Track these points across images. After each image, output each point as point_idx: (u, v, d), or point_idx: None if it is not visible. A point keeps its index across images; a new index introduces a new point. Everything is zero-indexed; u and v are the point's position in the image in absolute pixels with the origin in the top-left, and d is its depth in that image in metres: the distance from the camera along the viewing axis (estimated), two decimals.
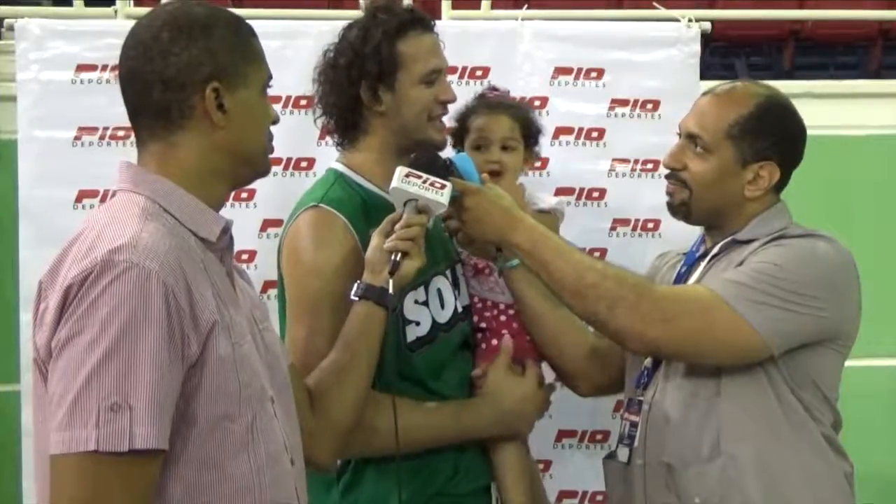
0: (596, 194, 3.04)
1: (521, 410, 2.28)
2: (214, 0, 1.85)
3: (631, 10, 3.55)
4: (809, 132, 2.21)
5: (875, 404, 3.57)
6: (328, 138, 2.97)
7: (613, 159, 3.05)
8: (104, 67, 2.96)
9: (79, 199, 2.96)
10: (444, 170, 2.07)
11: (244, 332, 1.59)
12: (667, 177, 2.22)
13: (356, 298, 1.97)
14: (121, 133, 2.95)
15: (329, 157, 2.94)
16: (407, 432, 1.93)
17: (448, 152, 2.27)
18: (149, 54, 1.56)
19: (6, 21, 3.06)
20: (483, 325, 2.37)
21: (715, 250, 2.17)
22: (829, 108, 3.70)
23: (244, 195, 2.92)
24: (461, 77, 2.97)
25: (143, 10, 3.19)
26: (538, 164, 2.94)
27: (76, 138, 2.97)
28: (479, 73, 2.99)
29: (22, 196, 2.97)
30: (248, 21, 1.69)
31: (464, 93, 2.64)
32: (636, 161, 3.05)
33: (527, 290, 2.26)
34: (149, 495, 1.45)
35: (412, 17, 2.22)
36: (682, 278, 2.22)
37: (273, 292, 2.86)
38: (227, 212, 1.68)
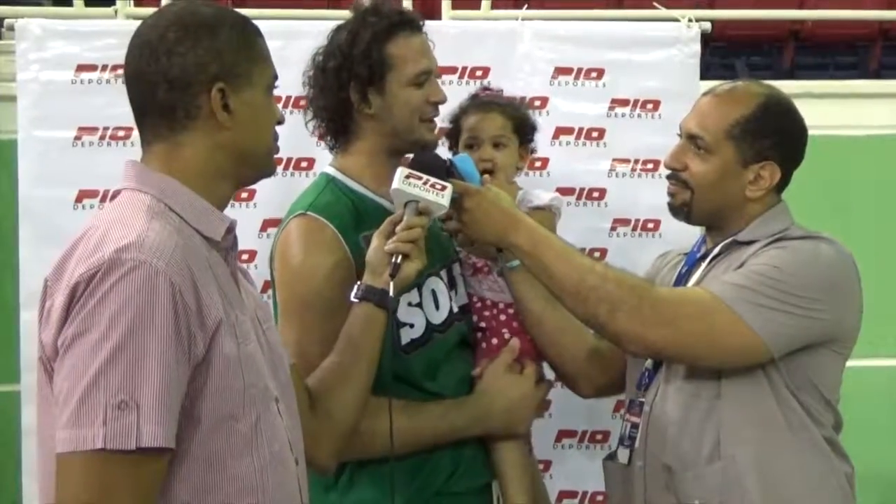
0: (596, 194, 3.05)
1: (516, 409, 2.28)
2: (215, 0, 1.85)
3: (631, 11, 3.55)
4: (809, 132, 2.20)
5: (876, 405, 3.57)
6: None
7: (614, 159, 3.06)
8: (104, 67, 2.96)
9: (79, 199, 2.96)
10: (444, 171, 2.06)
11: (249, 332, 1.59)
12: (668, 177, 2.21)
13: (356, 300, 1.97)
14: (121, 133, 2.95)
15: (328, 157, 2.96)
16: (396, 435, 1.92)
17: (442, 153, 2.27)
18: (154, 54, 1.56)
19: (6, 21, 3.06)
20: (482, 324, 2.36)
21: (716, 251, 2.17)
22: (828, 108, 3.70)
23: (244, 195, 2.92)
24: (461, 77, 2.98)
25: (144, 10, 3.21)
26: (538, 163, 2.96)
27: (76, 138, 2.97)
28: (479, 73, 2.99)
29: (22, 196, 2.97)
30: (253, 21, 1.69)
31: (464, 93, 2.65)
32: (636, 161, 3.05)
33: (527, 291, 2.24)
34: (155, 494, 1.45)
35: (400, 18, 2.21)
36: (682, 279, 2.22)
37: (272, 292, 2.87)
38: (227, 212, 1.68)
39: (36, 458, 1.59)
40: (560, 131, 3.03)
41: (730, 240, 2.16)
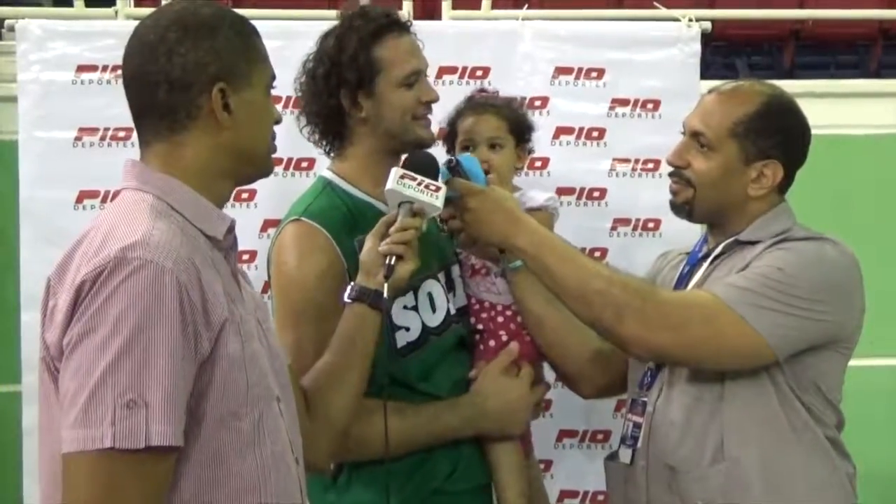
0: (596, 194, 3.05)
1: (511, 411, 2.27)
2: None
3: (631, 10, 3.55)
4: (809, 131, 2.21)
5: (877, 404, 3.57)
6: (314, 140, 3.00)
7: (614, 159, 3.06)
8: (105, 68, 2.96)
9: (79, 200, 2.96)
10: (437, 170, 2.05)
11: (252, 331, 1.59)
12: (670, 174, 2.21)
13: (349, 301, 1.97)
14: (121, 134, 2.95)
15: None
16: (391, 436, 1.92)
17: (438, 154, 2.27)
18: (154, 55, 1.56)
19: (7, 22, 3.06)
20: (480, 326, 2.36)
21: (718, 250, 2.16)
22: (829, 108, 3.69)
23: (245, 195, 2.92)
24: (461, 77, 2.98)
25: (144, 11, 3.21)
26: (538, 163, 2.96)
27: (77, 139, 2.97)
28: (479, 73, 2.99)
29: (23, 197, 2.97)
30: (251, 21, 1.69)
31: (465, 93, 2.65)
32: (637, 161, 3.05)
33: (529, 292, 2.24)
34: (163, 492, 1.45)
35: (387, 21, 2.22)
36: (684, 279, 2.21)
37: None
38: (227, 212, 1.68)
39: (37, 458, 1.58)
40: (560, 131, 3.03)
41: (731, 239, 2.15)
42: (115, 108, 2.94)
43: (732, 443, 2.04)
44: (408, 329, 2.20)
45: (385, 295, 1.94)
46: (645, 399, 2.16)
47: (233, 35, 1.61)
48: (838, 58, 7.63)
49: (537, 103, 2.98)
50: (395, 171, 2.00)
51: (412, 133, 2.22)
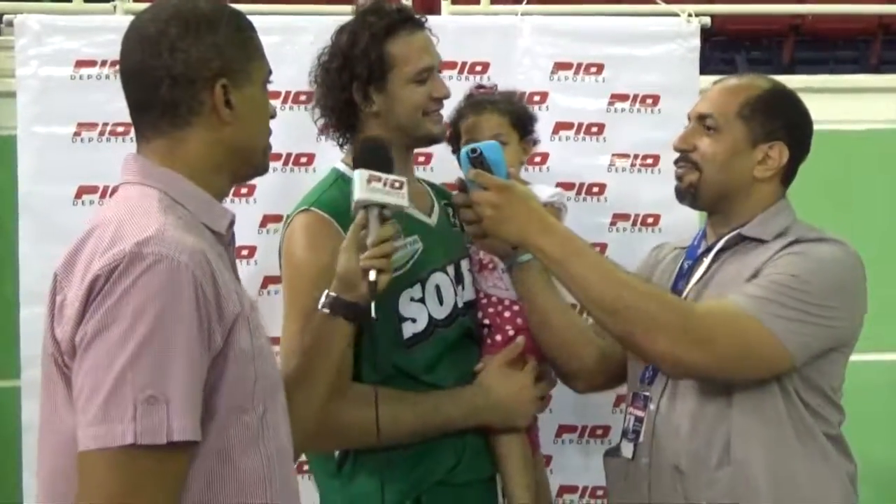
0: (596, 189, 3.04)
1: (513, 403, 2.28)
2: None
3: (631, 5, 3.54)
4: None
5: (874, 399, 3.58)
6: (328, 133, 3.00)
7: (613, 154, 3.05)
8: (104, 63, 2.95)
9: (78, 195, 2.96)
10: (389, 158, 1.97)
11: (259, 324, 1.59)
12: (676, 161, 2.19)
13: (325, 310, 1.91)
14: (120, 129, 2.95)
15: (329, 152, 2.94)
16: (387, 424, 1.93)
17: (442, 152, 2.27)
18: (156, 49, 1.56)
19: (5, 17, 3.05)
20: (486, 321, 2.37)
21: (720, 244, 2.15)
22: (828, 103, 3.69)
23: (244, 191, 2.92)
24: (461, 72, 2.97)
25: (142, 6, 3.18)
26: (538, 158, 2.95)
27: (76, 134, 2.96)
28: (478, 68, 2.98)
29: (21, 192, 2.97)
30: (247, 16, 1.69)
31: (463, 89, 2.65)
32: (636, 156, 3.05)
33: (538, 290, 2.21)
34: (180, 487, 1.45)
35: (400, 17, 2.24)
36: (685, 275, 2.20)
37: (273, 288, 2.87)
38: (226, 207, 1.69)
39: (37, 454, 1.57)
40: (560, 126, 3.03)
41: (735, 233, 2.14)
42: (115, 104, 2.91)
43: (739, 445, 2.02)
44: (414, 321, 2.22)
45: (374, 315, 1.90)
46: (647, 393, 2.15)
47: (232, 30, 1.61)
48: (838, 53, 7.65)
49: (536, 98, 2.98)
50: (361, 175, 1.90)
51: (423, 128, 2.24)
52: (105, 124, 2.96)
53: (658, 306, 1.97)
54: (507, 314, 2.35)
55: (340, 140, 2.32)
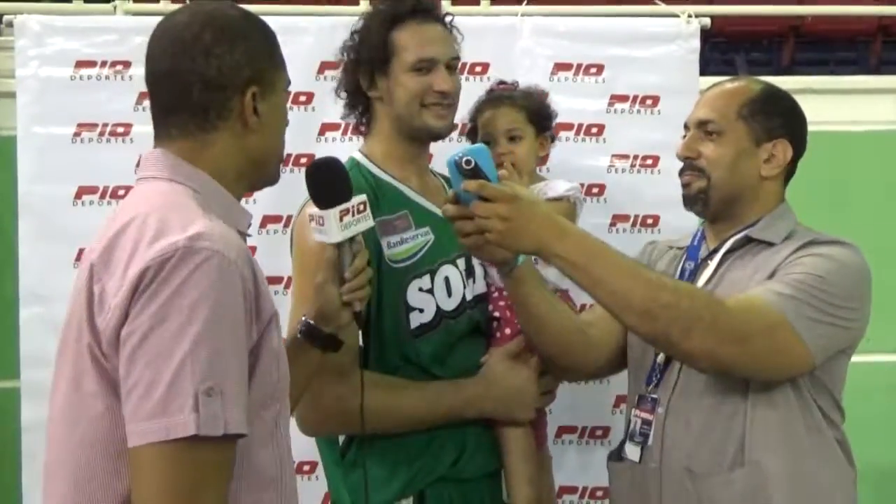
0: (595, 190, 3.04)
1: (515, 396, 2.29)
2: None
3: (630, 6, 3.55)
4: (809, 128, 2.21)
5: (874, 400, 3.57)
6: (328, 134, 3.00)
7: (613, 155, 3.06)
8: (104, 63, 2.96)
9: (78, 196, 2.96)
10: (345, 176, 1.89)
11: (280, 327, 1.61)
12: (681, 170, 2.18)
13: (300, 336, 1.92)
14: (120, 129, 2.96)
15: (329, 152, 2.94)
16: (387, 411, 1.94)
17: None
18: (190, 53, 1.58)
19: (5, 17, 3.06)
20: (497, 314, 2.37)
21: (728, 246, 2.14)
22: (828, 104, 3.70)
23: None
24: (461, 73, 2.96)
25: (143, 7, 3.20)
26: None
27: (76, 134, 2.97)
28: (478, 69, 2.98)
29: (21, 192, 2.97)
30: None
31: (463, 89, 2.64)
32: (636, 157, 3.05)
33: (533, 290, 2.15)
34: (230, 480, 1.46)
35: (411, 6, 2.28)
36: (689, 277, 2.17)
37: (272, 288, 2.87)
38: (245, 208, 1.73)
39: (54, 446, 1.55)
40: (559, 127, 3.01)
41: (742, 235, 2.13)
42: (114, 104, 2.96)
43: (754, 446, 2.00)
44: (422, 311, 2.24)
45: (360, 343, 1.91)
46: (655, 396, 2.12)
47: (262, 39, 1.66)
48: (837, 54, 7.65)
49: None
50: (334, 217, 1.82)
51: (420, 120, 2.26)
52: (105, 125, 2.97)
53: (690, 301, 1.93)
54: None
55: (359, 126, 2.38)
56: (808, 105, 2.23)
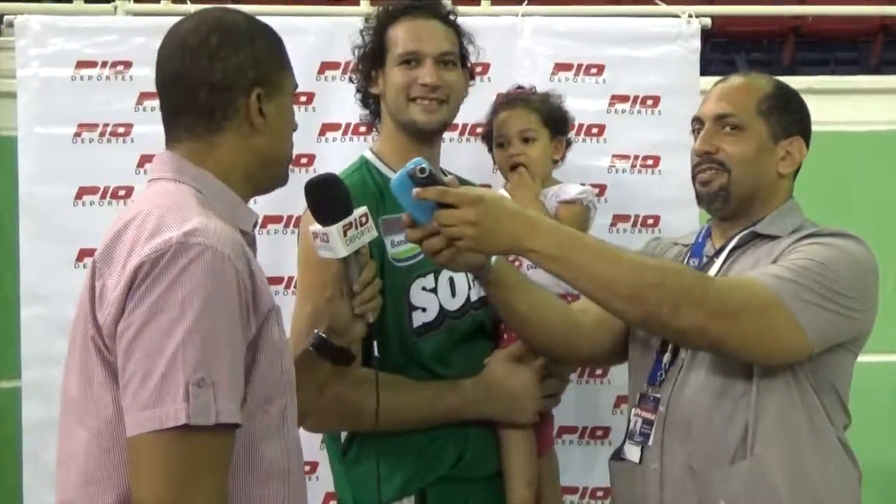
0: (596, 190, 3.03)
1: (516, 398, 2.29)
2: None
3: (631, 6, 3.55)
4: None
5: (877, 400, 3.57)
6: (328, 134, 3.00)
7: (613, 155, 3.05)
8: (104, 64, 2.96)
9: (79, 196, 2.96)
10: (343, 189, 1.87)
11: (283, 321, 1.66)
12: (698, 165, 2.13)
13: (311, 349, 1.95)
14: (121, 129, 2.96)
15: (329, 153, 2.96)
16: (385, 409, 1.95)
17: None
18: (196, 57, 1.64)
19: (6, 17, 3.06)
20: None
21: (734, 242, 2.12)
22: (829, 104, 3.68)
23: None
24: None
25: (143, 7, 3.20)
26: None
27: (76, 135, 2.97)
28: (479, 69, 2.97)
29: (22, 193, 2.97)
30: None
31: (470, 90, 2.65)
32: (636, 157, 3.05)
33: (514, 288, 2.10)
34: (227, 469, 1.51)
35: (408, 4, 2.32)
36: None
37: (273, 288, 2.87)
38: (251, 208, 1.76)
39: (66, 437, 1.60)
40: None
41: (748, 231, 2.11)
42: (115, 104, 2.96)
43: (756, 440, 1.97)
44: (424, 310, 2.26)
45: (376, 353, 1.95)
46: (657, 395, 2.09)
47: (268, 43, 1.71)
48: (838, 54, 7.65)
49: None
50: (338, 233, 1.81)
51: (406, 114, 2.29)
52: (106, 125, 2.97)
53: (677, 278, 1.91)
54: None
55: (370, 121, 2.42)
56: (808, 105, 2.23)
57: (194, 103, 1.65)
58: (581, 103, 3.03)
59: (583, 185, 2.58)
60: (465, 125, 2.93)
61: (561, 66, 3.04)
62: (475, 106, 2.61)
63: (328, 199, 1.85)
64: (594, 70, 3.04)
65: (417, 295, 2.24)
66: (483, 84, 2.77)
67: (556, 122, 2.56)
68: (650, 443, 2.08)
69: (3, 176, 3.13)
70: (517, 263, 2.27)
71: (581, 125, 3.03)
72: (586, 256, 1.87)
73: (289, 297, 2.82)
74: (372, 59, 2.34)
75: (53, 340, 2.84)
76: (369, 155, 2.36)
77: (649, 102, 3.05)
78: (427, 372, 2.25)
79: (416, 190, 1.79)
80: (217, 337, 1.47)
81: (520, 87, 2.69)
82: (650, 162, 3.04)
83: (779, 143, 2.12)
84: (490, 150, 2.61)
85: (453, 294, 2.28)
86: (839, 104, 3.80)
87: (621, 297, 1.88)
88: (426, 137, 2.32)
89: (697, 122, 2.17)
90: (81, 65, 2.97)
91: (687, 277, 1.93)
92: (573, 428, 3.02)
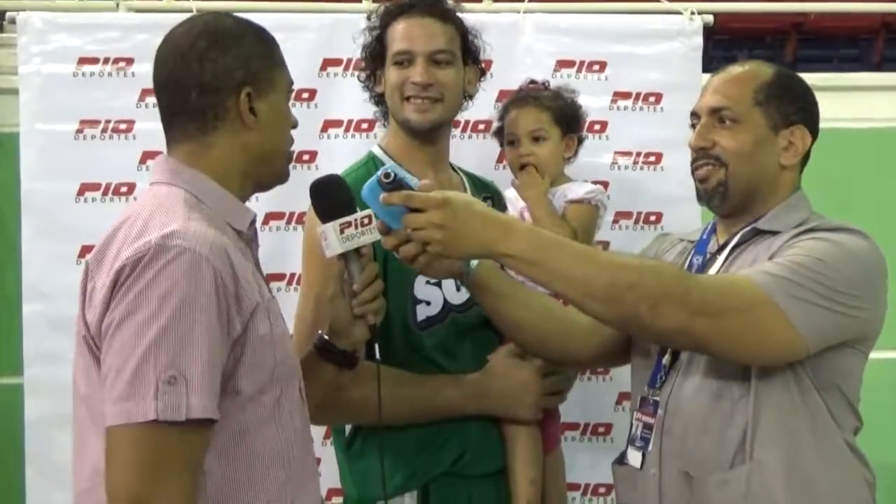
0: (605, 190, 3.03)
1: (517, 394, 2.28)
2: None
3: (633, 3, 3.54)
4: None
5: (880, 398, 3.56)
6: (330, 130, 3.00)
7: (616, 152, 3.06)
8: (106, 60, 2.97)
9: (81, 193, 2.96)
10: (345, 188, 1.88)
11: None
12: (695, 161, 2.06)
13: (315, 350, 1.97)
14: (123, 126, 2.96)
15: (331, 150, 2.97)
16: (387, 404, 1.95)
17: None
18: (186, 61, 1.69)
19: (8, 14, 3.07)
20: None
21: (735, 240, 2.05)
22: (831, 101, 3.66)
23: None
24: None
25: (145, 3, 3.21)
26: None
27: (78, 131, 2.97)
28: (483, 68, 2.98)
29: (24, 189, 2.97)
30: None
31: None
32: (638, 154, 3.05)
33: (502, 290, 2.06)
34: (200, 462, 1.56)
35: (404, 3, 2.33)
36: (696, 271, 2.08)
37: (274, 285, 2.87)
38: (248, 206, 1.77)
39: (76, 432, 1.66)
40: None
41: (749, 227, 2.04)
42: (117, 101, 2.96)
43: (755, 444, 1.91)
44: (428, 303, 2.26)
45: (377, 356, 1.97)
46: (657, 399, 2.03)
47: (257, 43, 1.74)
48: (840, 51, 7.63)
49: None
50: (333, 230, 1.83)
51: (401, 113, 2.31)
52: (107, 121, 2.97)
53: (656, 278, 1.84)
54: None
55: (383, 120, 2.44)
56: None
57: (187, 105, 1.69)
58: (583, 100, 3.00)
59: (594, 183, 2.57)
60: (467, 122, 2.93)
61: (563, 63, 3.04)
62: (477, 103, 2.60)
63: (328, 198, 1.88)
64: (596, 67, 3.04)
65: (422, 289, 2.25)
66: (485, 81, 2.77)
67: (568, 120, 2.54)
68: (650, 448, 2.03)
69: (4, 172, 3.14)
70: None
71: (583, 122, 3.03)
72: (562, 259, 1.83)
73: (291, 293, 2.82)
74: (374, 59, 2.36)
75: (55, 337, 2.84)
76: (377, 150, 2.37)
77: (651, 99, 3.05)
78: (432, 365, 2.26)
79: (382, 195, 1.80)
80: (191, 335, 1.51)
81: (532, 82, 2.66)
82: (652, 159, 3.04)
83: (780, 133, 2.03)
84: (501, 145, 2.60)
85: (458, 288, 2.27)
86: (841, 101, 3.80)
87: (598, 298, 1.83)
88: (425, 136, 2.32)
89: (695, 116, 2.10)
90: (83, 61, 2.97)
91: (666, 276, 1.86)
92: (575, 425, 3.03)
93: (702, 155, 2.05)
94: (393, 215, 1.81)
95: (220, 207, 1.69)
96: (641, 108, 3.05)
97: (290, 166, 2.92)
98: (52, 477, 2.90)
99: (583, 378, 2.96)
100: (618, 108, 3.05)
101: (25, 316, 2.96)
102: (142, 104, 2.92)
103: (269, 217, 2.94)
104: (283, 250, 2.87)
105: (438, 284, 2.26)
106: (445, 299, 2.27)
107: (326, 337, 1.96)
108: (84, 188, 2.96)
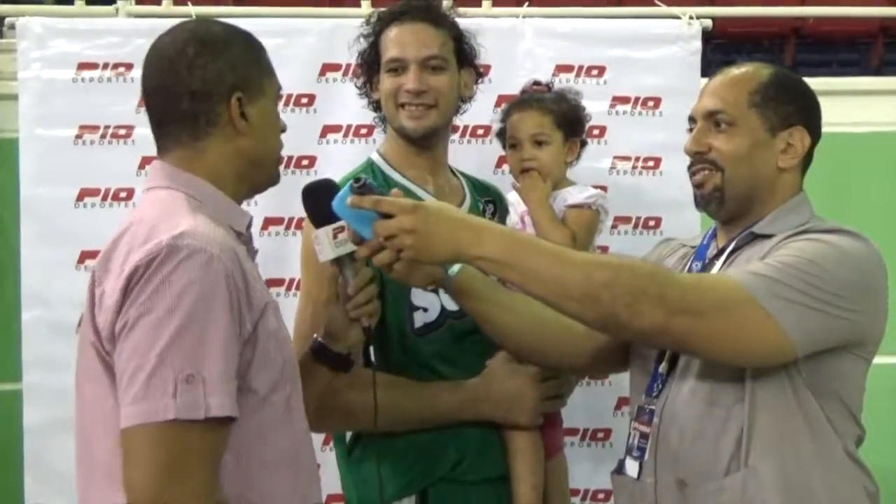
0: (606, 195, 3.04)
1: (513, 398, 2.27)
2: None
3: (632, 8, 3.55)
4: None
5: (879, 404, 3.56)
6: (329, 135, 3.01)
7: (614, 157, 3.06)
8: (106, 66, 2.97)
9: (80, 198, 2.96)
10: (332, 192, 1.84)
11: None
12: (691, 166, 2.03)
13: (311, 354, 1.99)
14: (122, 131, 2.96)
15: (330, 155, 2.97)
16: (384, 408, 1.96)
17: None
18: (175, 68, 1.69)
19: (8, 19, 3.07)
20: None
21: (732, 245, 2.01)
22: (830, 105, 3.65)
23: None
24: None
25: (145, 9, 3.21)
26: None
27: (78, 136, 2.97)
28: (479, 70, 2.98)
29: (23, 195, 2.98)
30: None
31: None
32: (637, 159, 3.05)
33: (486, 295, 2.03)
34: (219, 460, 1.56)
35: (398, 9, 2.33)
36: None
37: (274, 290, 2.87)
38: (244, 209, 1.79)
39: (82, 440, 1.65)
40: None
41: (746, 232, 2.01)
42: (116, 106, 2.96)
43: (750, 451, 1.87)
44: (426, 310, 2.26)
45: (373, 359, 1.99)
46: (653, 407, 2.00)
47: (245, 49, 1.75)
48: (839, 55, 7.63)
49: None
50: (326, 235, 1.85)
51: (396, 120, 2.32)
52: (107, 127, 2.98)
53: (632, 276, 1.79)
54: None
55: (382, 127, 2.44)
56: None
57: (177, 112, 1.70)
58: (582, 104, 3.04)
59: (595, 188, 2.56)
60: (465, 127, 2.93)
61: (562, 68, 3.04)
62: (476, 108, 2.60)
63: (320, 203, 1.87)
64: (595, 71, 3.05)
65: (419, 295, 2.24)
66: (484, 85, 2.75)
67: (571, 123, 2.51)
68: (646, 457, 2.00)
69: (4, 178, 3.14)
70: None
71: None
72: (536, 259, 1.80)
73: (290, 298, 2.82)
74: (369, 66, 2.36)
75: (54, 343, 2.84)
76: (375, 157, 2.37)
77: (650, 104, 3.05)
78: (431, 372, 2.25)
79: (350, 198, 1.78)
80: (207, 334, 1.51)
81: (536, 84, 2.64)
82: (651, 163, 3.04)
83: (777, 135, 1.99)
84: (504, 147, 2.59)
85: None
86: (840, 105, 3.79)
87: (575, 298, 1.79)
88: (421, 142, 2.32)
89: (692, 120, 2.07)
90: (83, 66, 2.97)
91: (641, 274, 1.81)
92: (575, 430, 3.02)
93: (697, 159, 2.02)
94: (364, 224, 1.78)
95: (220, 209, 1.70)
96: (640, 113, 3.05)
97: (290, 171, 2.96)
98: (51, 483, 2.90)
99: (582, 383, 2.95)
100: (617, 112, 3.05)
101: (24, 322, 2.96)
102: (141, 109, 2.83)
103: (268, 222, 2.94)
104: (282, 255, 2.87)
105: (436, 291, 2.25)
106: (443, 306, 2.26)
107: (322, 340, 1.99)
108: (83, 193, 2.96)
